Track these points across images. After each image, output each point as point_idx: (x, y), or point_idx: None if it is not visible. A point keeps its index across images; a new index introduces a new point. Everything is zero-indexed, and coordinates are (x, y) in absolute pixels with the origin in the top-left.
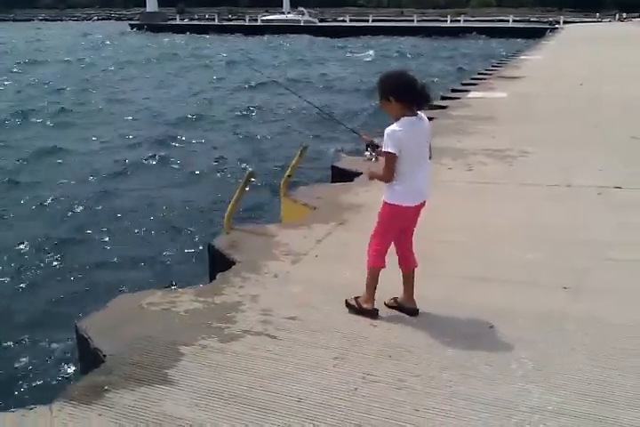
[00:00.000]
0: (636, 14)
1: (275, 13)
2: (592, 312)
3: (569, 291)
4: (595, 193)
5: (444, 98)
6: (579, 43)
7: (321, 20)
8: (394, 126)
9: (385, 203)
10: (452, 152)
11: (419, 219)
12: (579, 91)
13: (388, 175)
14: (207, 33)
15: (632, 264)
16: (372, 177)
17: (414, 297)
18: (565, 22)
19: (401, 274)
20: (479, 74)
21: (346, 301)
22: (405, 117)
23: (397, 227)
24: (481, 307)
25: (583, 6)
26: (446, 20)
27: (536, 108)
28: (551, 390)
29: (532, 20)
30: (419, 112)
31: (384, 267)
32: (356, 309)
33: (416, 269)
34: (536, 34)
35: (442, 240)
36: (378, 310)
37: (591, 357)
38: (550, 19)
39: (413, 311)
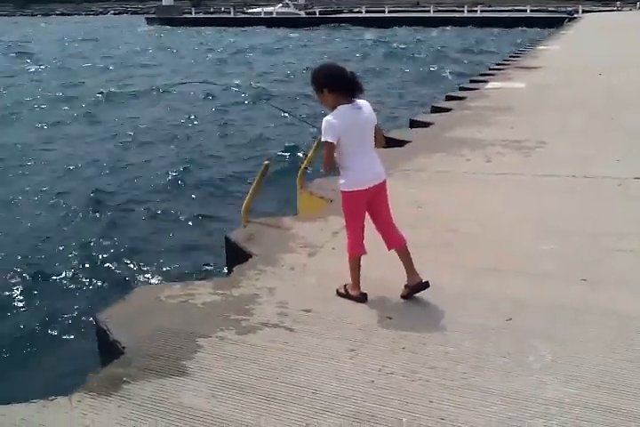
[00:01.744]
0: None
1: (265, 6)
2: (609, 304)
3: (586, 283)
4: (613, 184)
5: (462, 89)
6: (598, 32)
7: (307, 13)
8: (329, 116)
9: (341, 191)
10: (471, 143)
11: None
12: (598, 81)
13: (328, 163)
14: (224, 26)
15: None
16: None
17: (416, 271)
18: (584, 11)
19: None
20: (497, 64)
21: (336, 290)
22: (340, 106)
23: (359, 212)
24: (497, 298)
25: None
26: (463, 11)
27: (554, 99)
28: (568, 383)
29: (550, 9)
30: (356, 100)
31: (363, 253)
32: (344, 295)
33: (427, 258)
34: (554, 23)
35: (459, 230)
36: (366, 294)
37: (608, 349)
38: (569, 8)
39: (423, 285)
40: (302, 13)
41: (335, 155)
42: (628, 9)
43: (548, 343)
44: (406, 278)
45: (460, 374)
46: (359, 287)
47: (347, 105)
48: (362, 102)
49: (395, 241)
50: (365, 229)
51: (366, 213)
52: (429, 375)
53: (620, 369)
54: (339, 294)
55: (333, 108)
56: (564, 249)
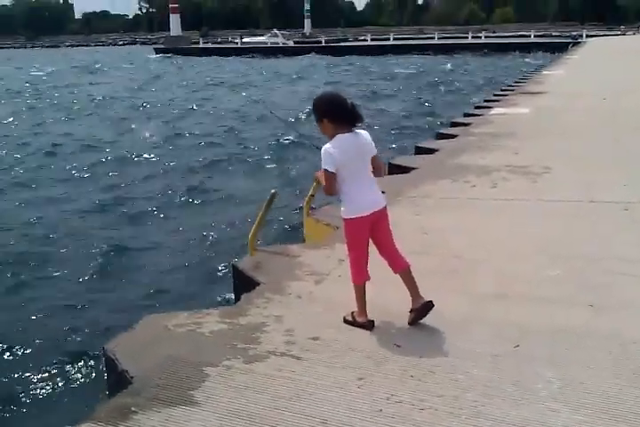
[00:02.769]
0: None
1: (259, 36)
2: (616, 330)
3: (592, 308)
4: (619, 209)
5: (467, 115)
6: (602, 56)
7: (296, 42)
8: (328, 145)
9: (343, 219)
10: (476, 169)
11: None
12: (602, 105)
13: (329, 190)
14: (230, 55)
15: None
16: (318, 181)
17: (420, 294)
18: (588, 36)
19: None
20: (502, 90)
21: (344, 317)
22: (338, 135)
23: (360, 239)
24: (504, 325)
25: (605, 20)
26: (467, 37)
27: (559, 124)
28: (577, 410)
29: (553, 34)
30: (355, 129)
31: (367, 280)
32: (351, 323)
33: (433, 285)
34: (558, 48)
35: (465, 257)
36: (373, 322)
37: (616, 375)
38: (573, 33)
39: (428, 305)
40: (290, 43)
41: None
42: (631, 33)
43: (555, 370)
44: (411, 303)
45: (469, 402)
46: (366, 314)
47: (346, 134)
48: (361, 132)
49: (400, 265)
50: (369, 255)
51: (369, 240)
52: (438, 404)
53: (626, 396)
54: (346, 321)
55: (332, 136)
56: (569, 274)
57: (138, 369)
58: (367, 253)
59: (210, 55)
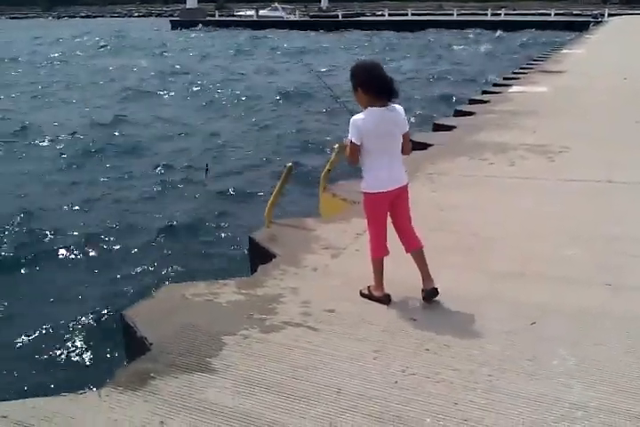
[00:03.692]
0: None
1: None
2: (632, 310)
3: (610, 288)
4: (637, 189)
5: (485, 92)
6: (623, 36)
7: (312, 17)
8: (357, 115)
9: (362, 192)
10: (494, 147)
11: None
12: (622, 85)
13: (351, 160)
14: (246, 27)
15: None
16: (340, 150)
17: (430, 277)
18: (610, 15)
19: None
20: (521, 68)
21: (360, 291)
22: (370, 108)
23: (380, 214)
24: (521, 303)
25: None
26: (486, 14)
27: (578, 103)
28: (592, 387)
29: (574, 13)
30: (391, 103)
31: (385, 255)
32: (368, 296)
33: (450, 263)
34: (579, 27)
35: (482, 235)
36: (390, 296)
37: (631, 354)
38: (595, 11)
39: (432, 292)
40: (292, 17)
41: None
42: None
43: (571, 348)
44: (422, 282)
45: (484, 376)
46: (383, 289)
47: (379, 108)
48: (395, 107)
49: (412, 245)
50: (388, 230)
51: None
52: (453, 377)
53: None
54: (362, 295)
55: (366, 107)
56: (587, 254)
57: (156, 336)
58: (385, 228)
59: (227, 27)
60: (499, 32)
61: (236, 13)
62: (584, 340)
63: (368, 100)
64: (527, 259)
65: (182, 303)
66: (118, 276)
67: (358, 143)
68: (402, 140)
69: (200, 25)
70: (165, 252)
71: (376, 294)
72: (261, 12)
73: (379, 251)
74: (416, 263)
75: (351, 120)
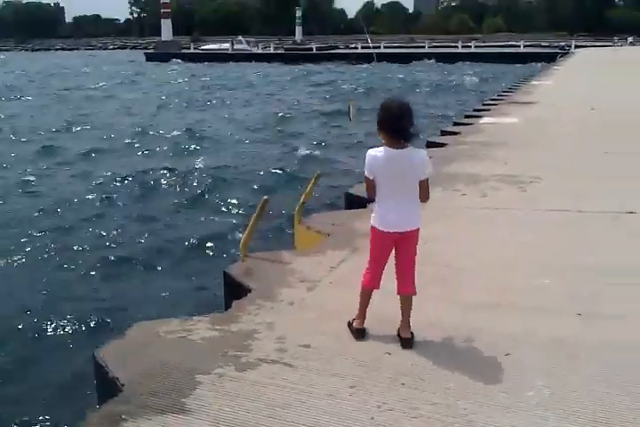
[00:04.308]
0: None
1: (220, 43)
2: (605, 338)
3: (582, 317)
4: (607, 218)
5: (456, 124)
6: (589, 67)
7: (286, 49)
8: (373, 149)
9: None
10: (466, 178)
11: (425, 247)
12: (590, 116)
13: (368, 193)
14: (219, 61)
15: None
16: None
17: (409, 326)
18: (577, 46)
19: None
20: (492, 99)
21: (348, 321)
22: (385, 147)
23: (381, 250)
24: (495, 333)
25: (594, 30)
26: (457, 46)
27: (547, 134)
28: (567, 418)
29: (543, 44)
30: (409, 146)
31: (374, 288)
32: (349, 325)
33: (426, 295)
34: (547, 58)
35: (457, 266)
36: (364, 330)
37: (606, 384)
38: (562, 43)
39: (404, 342)
40: (255, 50)
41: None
42: (619, 44)
43: (546, 378)
44: (399, 327)
45: (460, 410)
46: (362, 321)
47: (392, 149)
48: (413, 150)
49: (404, 290)
50: (386, 267)
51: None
52: (430, 412)
53: (615, 404)
54: (348, 324)
55: (383, 145)
56: (559, 284)
57: (128, 376)
58: (383, 265)
59: (202, 61)
60: (466, 63)
61: (201, 48)
62: (558, 370)
63: (385, 139)
64: (500, 289)
65: (155, 341)
66: (89, 313)
67: (370, 177)
68: (417, 186)
69: (174, 58)
70: (137, 288)
71: (354, 325)
72: (225, 46)
73: (370, 282)
74: (401, 307)
75: (367, 152)
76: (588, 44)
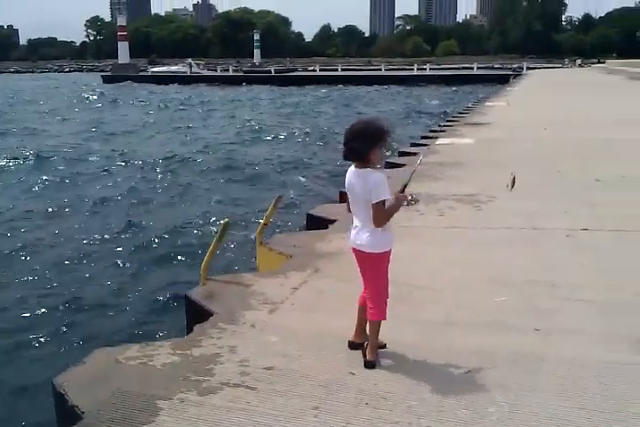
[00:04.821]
0: (594, 60)
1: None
2: (563, 353)
3: (539, 333)
4: (561, 235)
5: (413, 145)
6: (541, 88)
7: (245, 72)
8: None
9: None
10: (424, 197)
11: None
12: (543, 135)
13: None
14: (175, 83)
15: (601, 305)
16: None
17: (372, 349)
18: (529, 68)
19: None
20: (447, 121)
21: (373, 361)
22: (353, 165)
23: (357, 265)
24: (456, 351)
25: (544, 53)
26: (413, 69)
27: (502, 154)
28: None
29: (495, 66)
30: (369, 167)
31: (361, 305)
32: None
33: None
34: (500, 80)
35: (415, 285)
36: (353, 343)
37: (564, 398)
38: (514, 65)
39: (366, 363)
40: (204, 72)
41: None
42: (568, 66)
43: (505, 394)
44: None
45: None
46: (355, 335)
47: (351, 168)
48: (366, 172)
49: (365, 314)
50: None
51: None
52: None
53: (575, 417)
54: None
55: None
56: (516, 300)
57: (88, 404)
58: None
59: (159, 83)
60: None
61: (149, 70)
62: (518, 386)
63: None
64: (459, 307)
65: (115, 368)
66: (47, 340)
67: (347, 191)
68: (369, 208)
69: (129, 81)
70: (97, 314)
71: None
72: (173, 68)
73: (359, 299)
74: (368, 329)
75: None
76: (540, 65)
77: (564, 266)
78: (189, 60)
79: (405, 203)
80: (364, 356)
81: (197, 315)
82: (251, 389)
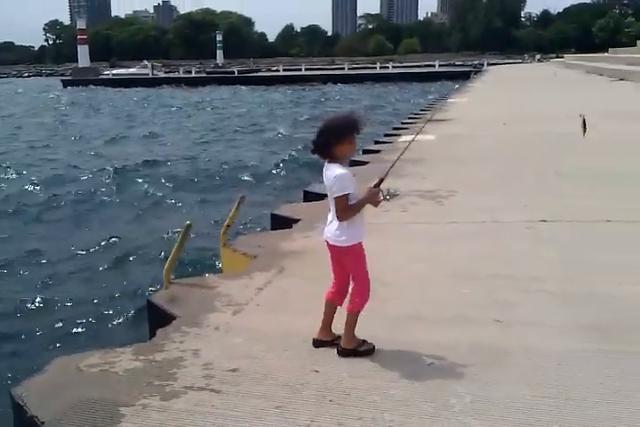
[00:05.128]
0: (553, 55)
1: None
2: (524, 344)
3: (501, 324)
4: (521, 228)
5: (377, 142)
6: (501, 84)
7: (208, 73)
8: None
9: None
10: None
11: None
12: (503, 130)
13: None
14: (138, 86)
15: (560, 296)
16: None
17: (347, 339)
18: (489, 64)
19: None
20: (409, 118)
21: (351, 351)
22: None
23: (330, 259)
24: (419, 344)
25: (504, 49)
26: (376, 67)
27: (463, 149)
28: (490, 423)
29: (457, 63)
30: (333, 162)
31: (329, 300)
32: (363, 352)
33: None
34: (462, 77)
35: (380, 280)
36: (318, 341)
37: (525, 388)
38: (475, 61)
39: (340, 351)
40: (161, 74)
41: None
42: (528, 61)
43: (468, 385)
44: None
45: (387, 422)
46: (320, 332)
47: (326, 162)
48: (331, 167)
49: (350, 306)
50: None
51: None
52: (357, 426)
53: (537, 406)
54: (357, 353)
55: None
56: (478, 293)
57: (48, 414)
58: (336, 278)
59: (120, 86)
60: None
61: (110, 73)
62: (480, 377)
63: None
64: (422, 301)
65: (76, 376)
66: (4, 350)
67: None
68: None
69: (91, 85)
70: (57, 321)
71: (365, 346)
72: (131, 70)
73: (326, 294)
74: None
75: None
76: (500, 61)
77: (525, 258)
78: (145, 61)
79: (381, 197)
80: (339, 348)
81: (160, 319)
82: (215, 391)
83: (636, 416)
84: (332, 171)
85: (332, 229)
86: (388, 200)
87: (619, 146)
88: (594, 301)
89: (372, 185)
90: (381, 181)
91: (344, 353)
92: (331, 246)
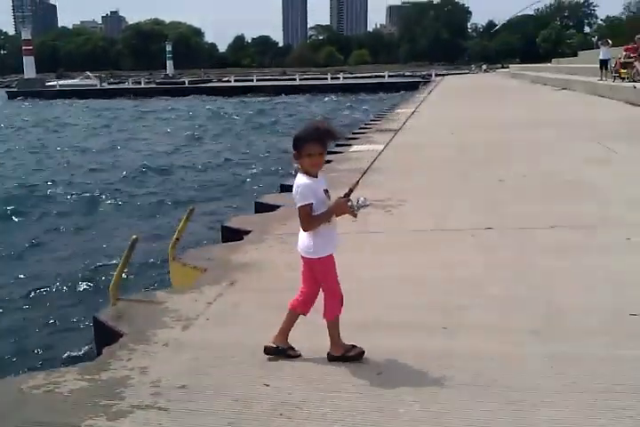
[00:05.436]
0: (499, 65)
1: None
2: (469, 349)
3: (447, 331)
4: (467, 235)
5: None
6: (449, 93)
7: (158, 83)
8: None
9: None
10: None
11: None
12: (450, 140)
13: None
14: (87, 97)
15: (502, 300)
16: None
17: (334, 346)
18: (437, 75)
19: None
20: (360, 128)
21: (337, 356)
22: None
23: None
24: (368, 353)
25: (451, 59)
26: (327, 78)
27: (411, 158)
28: None
29: (406, 74)
30: (299, 173)
31: (302, 312)
32: (347, 358)
33: (306, 318)
34: (411, 87)
35: None
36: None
37: (473, 394)
38: (423, 72)
39: (332, 358)
40: (105, 85)
41: None
42: (475, 71)
43: (416, 393)
44: None
45: None
46: (278, 338)
47: None
48: (297, 177)
49: (326, 314)
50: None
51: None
52: None
53: (484, 413)
54: (341, 358)
55: None
56: (426, 300)
57: None
58: (305, 288)
59: (69, 97)
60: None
61: (46, 84)
62: (428, 384)
63: None
64: (369, 309)
65: (19, 398)
66: None
67: None
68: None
69: (37, 98)
70: None
71: (353, 353)
72: (72, 81)
73: (295, 304)
74: None
75: None
76: (448, 72)
77: (470, 264)
78: (88, 72)
79: (351, 209)
80: (329, 355)
81: (107, 337)
82: (163, 410)
83: (575, 417)
84: (296, 181)
85: (300, 239)
86: (356, 210)
87: (560, 151)
88: (532, 304)
89: (342, 195)
90: (351, 191)
91: (334, 360)
92: (302, 257)
